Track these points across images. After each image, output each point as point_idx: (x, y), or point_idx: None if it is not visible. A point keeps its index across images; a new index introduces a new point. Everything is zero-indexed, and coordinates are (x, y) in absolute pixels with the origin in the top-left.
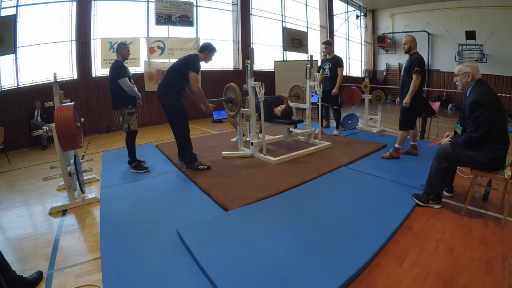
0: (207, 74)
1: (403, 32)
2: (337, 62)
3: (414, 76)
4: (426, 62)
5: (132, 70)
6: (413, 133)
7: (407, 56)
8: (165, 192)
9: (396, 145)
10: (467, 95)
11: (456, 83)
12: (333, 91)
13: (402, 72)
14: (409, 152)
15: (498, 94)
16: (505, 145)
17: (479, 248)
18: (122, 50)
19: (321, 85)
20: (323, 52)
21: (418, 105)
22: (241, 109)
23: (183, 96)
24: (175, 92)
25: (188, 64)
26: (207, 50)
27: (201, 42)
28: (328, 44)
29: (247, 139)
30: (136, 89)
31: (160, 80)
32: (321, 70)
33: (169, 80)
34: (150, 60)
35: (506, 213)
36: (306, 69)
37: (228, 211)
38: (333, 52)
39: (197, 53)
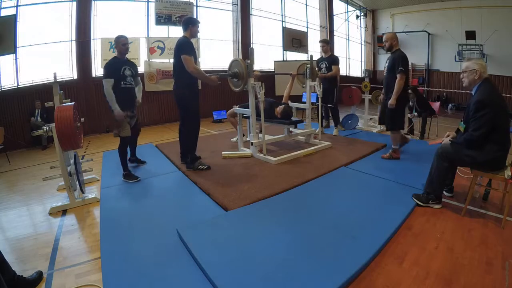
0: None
1: (403, 32)
2: (333, 61)
3: (398, 76)
4: (426, 62)
5: None
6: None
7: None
8: (165, 192)
9: (393, 146)
10: (473, 93)
11: (463, 79)
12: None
13: (385, 71)
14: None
15: None
16: (506, 145)
17: (479, 248)
18: (117, 44)
19: (321, 85)
20: (321, 50)
21: (404, 103)
22: (241, 109)
23: (197, 93)
24: (187, 90)
25: (179, 49)
26: (190, 24)
27: (201, 42)
28: (325, 42)
29: (247, 139)
30: (136, 90)
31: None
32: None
33: (176, 79)
34: (150, 60)
35: (506, 213)
36: (306, 69)
37: (228, 211)
38: (330, 51)
39: (183, 34)
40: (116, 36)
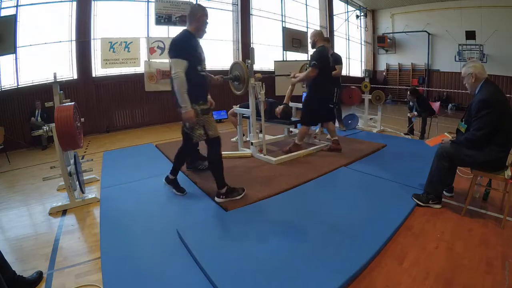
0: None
1: (403, 32)
2: (335, 60)
3: (309, 68)
4: (426, 62)
5: (132, 70)
6: (331, 128)
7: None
8: (165, 192)
9: (296, 141)
10: (476, 93)
11: (466, 86)
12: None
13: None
14: (333, 149)
15: None
16: (507, 147)
17: (479, 248)
18: (200, 15)
19: None
20: None
21: (319, 101)
22: (241, 109)
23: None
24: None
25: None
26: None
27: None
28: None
29: (247, 139)
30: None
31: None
32: None
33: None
34: (150, 60)
35: (506, 213)
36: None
37: (228, 211)
38: (331, 49)
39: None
40: (196, 6)
